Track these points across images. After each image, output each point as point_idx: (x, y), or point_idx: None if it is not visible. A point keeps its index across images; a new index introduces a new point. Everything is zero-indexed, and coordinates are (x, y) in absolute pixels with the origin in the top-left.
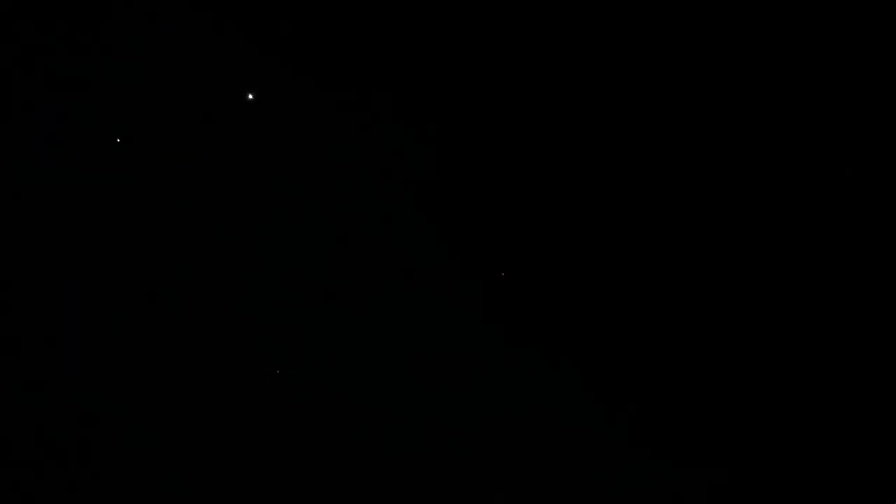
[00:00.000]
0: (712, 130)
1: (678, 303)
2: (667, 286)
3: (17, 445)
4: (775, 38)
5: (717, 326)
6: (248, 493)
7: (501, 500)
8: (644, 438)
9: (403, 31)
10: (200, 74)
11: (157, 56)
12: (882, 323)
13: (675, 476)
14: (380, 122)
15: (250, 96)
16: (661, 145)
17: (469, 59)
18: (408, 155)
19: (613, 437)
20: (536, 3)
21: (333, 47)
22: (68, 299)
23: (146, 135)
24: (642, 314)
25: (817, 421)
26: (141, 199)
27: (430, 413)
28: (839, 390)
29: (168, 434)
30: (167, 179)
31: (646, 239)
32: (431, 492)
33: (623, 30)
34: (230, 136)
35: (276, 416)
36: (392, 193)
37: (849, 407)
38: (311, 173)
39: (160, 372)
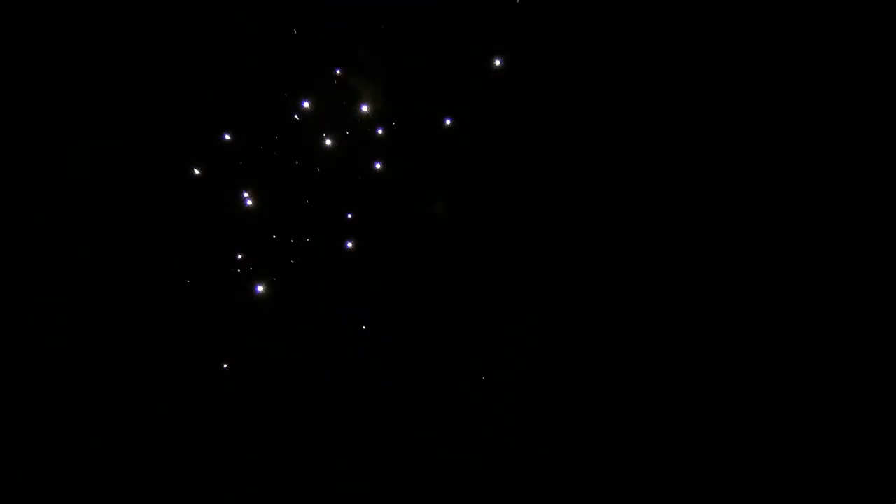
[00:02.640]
0: (712, 132)
1: (677, 305)
2: (665, 288)
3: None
4: (775, 38)
5: (716, 328)
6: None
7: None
8: (642, 439)
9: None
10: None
11: None
12: (882, 323)
13: (677, 476)
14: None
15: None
16: (660, 147)
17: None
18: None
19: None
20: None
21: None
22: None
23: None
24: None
25: (817, 421)
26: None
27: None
28: (839, 390)
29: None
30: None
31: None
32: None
33: (623, 31)
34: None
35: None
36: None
37: (849, 407)
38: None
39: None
